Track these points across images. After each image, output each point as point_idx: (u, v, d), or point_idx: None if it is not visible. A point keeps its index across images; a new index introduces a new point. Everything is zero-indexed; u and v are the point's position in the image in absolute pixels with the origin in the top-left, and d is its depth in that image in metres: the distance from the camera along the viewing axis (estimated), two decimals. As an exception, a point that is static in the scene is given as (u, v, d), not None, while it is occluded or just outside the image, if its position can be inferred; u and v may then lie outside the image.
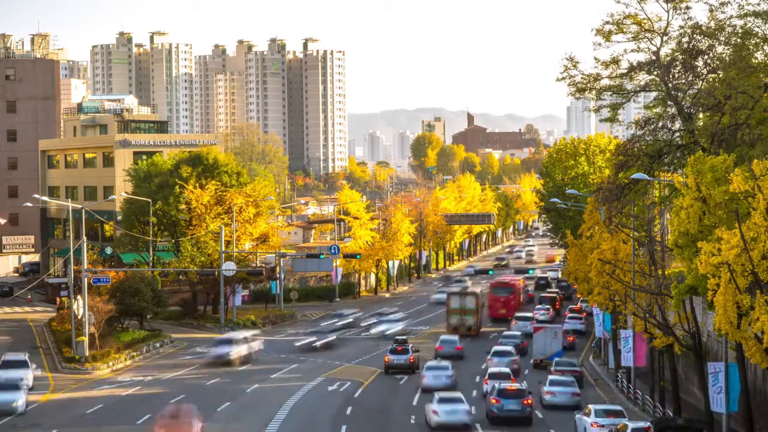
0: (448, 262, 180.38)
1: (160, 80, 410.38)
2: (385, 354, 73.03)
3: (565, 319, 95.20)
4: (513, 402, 52.25)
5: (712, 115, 56.21)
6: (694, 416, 48.97)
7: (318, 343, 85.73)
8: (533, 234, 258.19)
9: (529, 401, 53.06)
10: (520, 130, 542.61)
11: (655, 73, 60.37)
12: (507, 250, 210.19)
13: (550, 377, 61.03)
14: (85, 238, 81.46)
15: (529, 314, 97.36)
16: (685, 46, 59.08)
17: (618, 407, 51.68)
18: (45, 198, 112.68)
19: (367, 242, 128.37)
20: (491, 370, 62.65)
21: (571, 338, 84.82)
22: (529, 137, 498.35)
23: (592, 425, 47.86)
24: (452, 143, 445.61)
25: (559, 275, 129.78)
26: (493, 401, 52.91)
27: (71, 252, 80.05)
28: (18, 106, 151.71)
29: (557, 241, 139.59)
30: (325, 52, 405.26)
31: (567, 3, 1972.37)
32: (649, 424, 45.58)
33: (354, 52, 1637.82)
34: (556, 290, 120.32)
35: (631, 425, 45.06)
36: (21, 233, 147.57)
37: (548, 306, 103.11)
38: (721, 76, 56.68)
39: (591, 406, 50.06)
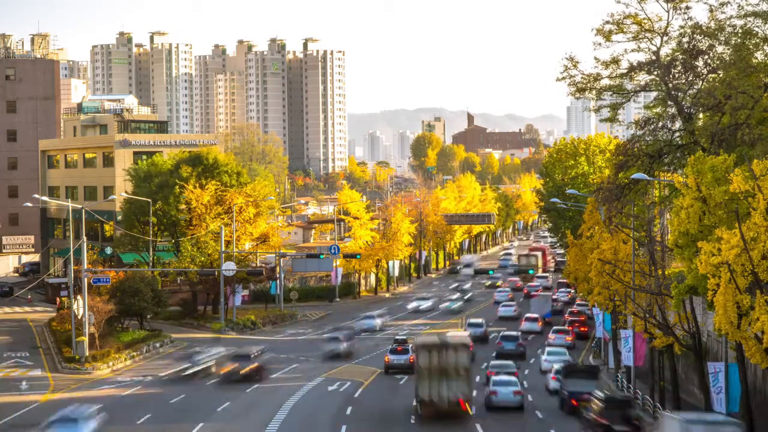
0: (447, 262, 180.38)
1: (160, 80, 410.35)
2: (385, 354, 73.07)
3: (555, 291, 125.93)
4: (511, 343, 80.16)
5: (712, 115, 56.19)
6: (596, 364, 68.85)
7: None
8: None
9: (522, 343, 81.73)
10: (520, 130, 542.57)
11: (655, 73, 60.35)
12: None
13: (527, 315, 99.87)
14: (85, 238, 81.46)
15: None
16: (685, 46, 59.05)
17: (561, 350, 74.45)
18: (45, 198, 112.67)
19: (367, 242, 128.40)
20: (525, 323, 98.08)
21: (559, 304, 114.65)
22: (529, 137, 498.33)
23: (544, 361, 72.10)
24: (452, 143, 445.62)
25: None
26: (498, 343, 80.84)
27: (71, 252, 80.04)
28: (18, 106, 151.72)
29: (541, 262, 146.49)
30: (325, 52, 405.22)
31: (567, 3, 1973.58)
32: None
33: (354, 52, 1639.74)
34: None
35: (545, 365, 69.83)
36: (21, 233, 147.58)
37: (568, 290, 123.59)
38: (721, 76, 56.66)
39: (546, 349, 75.64)
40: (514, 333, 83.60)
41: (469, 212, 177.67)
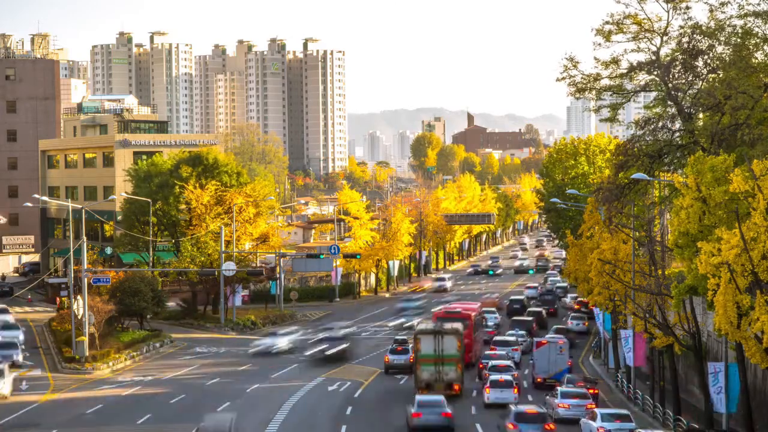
0: (448, 262, 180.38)
1: (160, 80, 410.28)
2: (385, 354, 73.06)
3: None
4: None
5: (712, 115, 56.21)
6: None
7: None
8: None
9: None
10: (520, 130, 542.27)
11: (655, 73, 60.36)
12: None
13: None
14: (85, 238, 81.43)
15: None
16: (685, 46, 59.07)
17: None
18: (45, 198, 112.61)
19: (367, 242, 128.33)
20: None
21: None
22: (529, 137, 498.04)
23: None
24: (452, 143, 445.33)
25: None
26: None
27: (71, 252, 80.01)
28: (18, 106, 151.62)
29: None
30: (325, 52, 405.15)
31: (567, 3, 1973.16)
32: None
33: (354, 52, 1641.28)
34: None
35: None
36: (21, 233, 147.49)
37: None
38: (721, 76, 56.72)
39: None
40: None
41: (469, 212, 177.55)
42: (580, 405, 52.87)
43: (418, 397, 53.05)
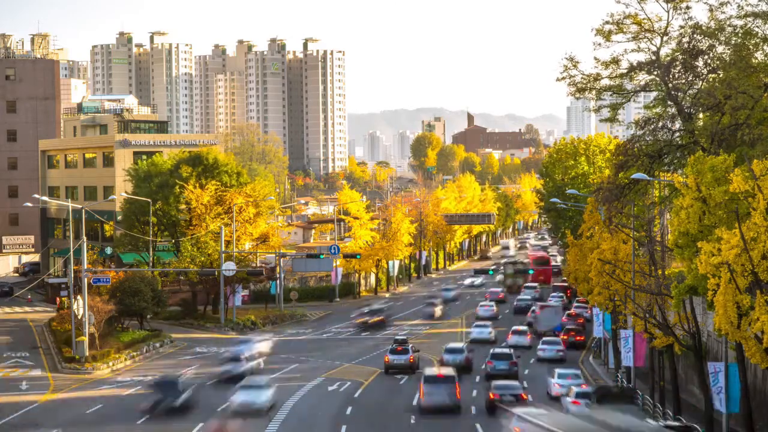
0: (448, 262, 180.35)
1: (160, 80, 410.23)
2: (385, 354, 72.99)
3: None
4: (503, 363, 67.38)
5: (712, 115, 56.19)
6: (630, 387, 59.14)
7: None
8: None
9: (515, 361, 68.65)
10: (520, 130, 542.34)
11: (655, 73, 60.36)
12: None
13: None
14: (85, 238, 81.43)
15: None
16: (685, 46, 59.07)
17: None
18: (45, 198, 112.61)
19: (367, 242, 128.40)
20: None
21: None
22: (529, 137, 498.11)
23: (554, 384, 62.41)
24: (452, 143, 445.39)
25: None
26: (488, 363, 70.67)
27: (71, 252, 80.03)
28: (18, 106, 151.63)
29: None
30: (325, 52, 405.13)
31: (567, 3, 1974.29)
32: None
33: (354, 52, 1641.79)
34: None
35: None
36: (21, 233, 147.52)
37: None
38: (721, 76, 56.71)
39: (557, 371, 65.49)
40: (506, 350, 69.98)
41: (469, 212, 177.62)
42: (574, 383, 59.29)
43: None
